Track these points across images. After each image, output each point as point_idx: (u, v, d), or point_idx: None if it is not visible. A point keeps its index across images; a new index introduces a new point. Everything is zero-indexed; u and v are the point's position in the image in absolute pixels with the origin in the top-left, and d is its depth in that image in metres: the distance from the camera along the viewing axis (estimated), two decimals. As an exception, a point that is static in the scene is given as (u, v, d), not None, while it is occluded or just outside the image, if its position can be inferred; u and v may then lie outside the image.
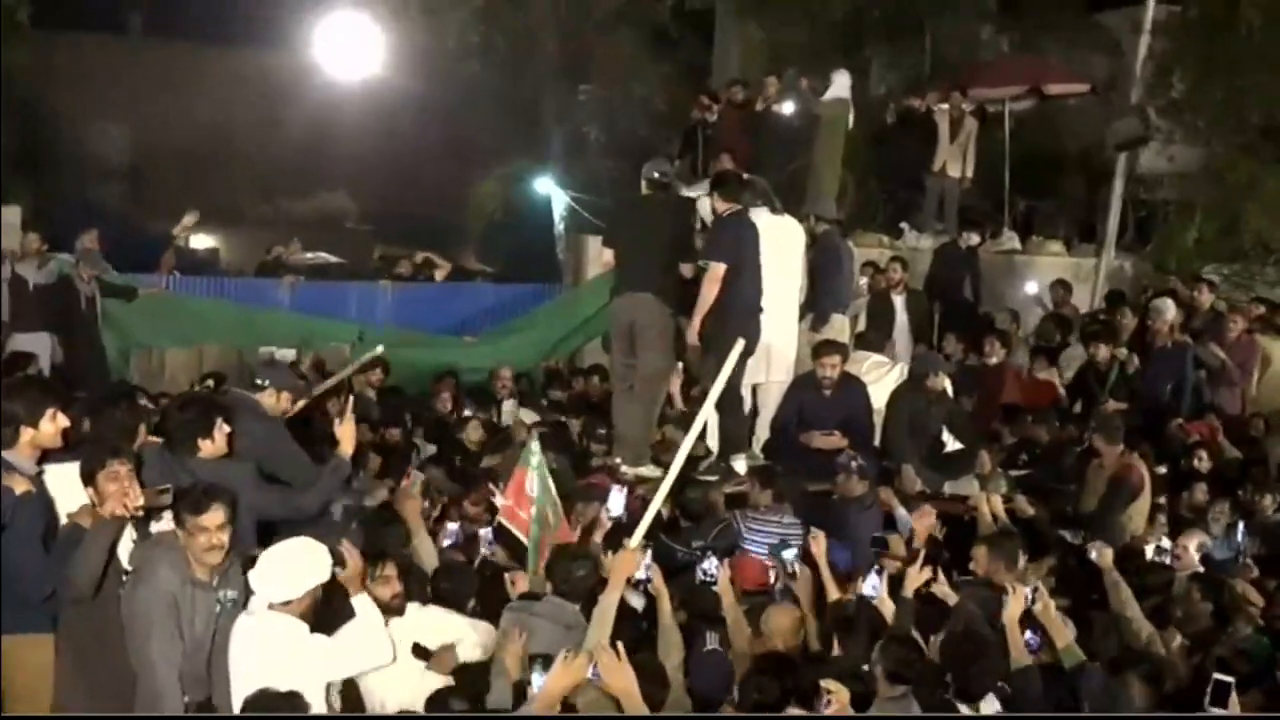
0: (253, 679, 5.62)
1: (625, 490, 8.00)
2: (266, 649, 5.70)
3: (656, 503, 7.29)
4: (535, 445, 7.78)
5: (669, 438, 10.25)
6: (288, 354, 12.62)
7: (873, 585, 6.80)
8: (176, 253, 14.94)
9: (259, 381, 7.59)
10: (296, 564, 5.84)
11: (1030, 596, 6.54)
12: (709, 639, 6.14)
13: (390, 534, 7.13)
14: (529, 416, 11.25)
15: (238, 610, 5.94)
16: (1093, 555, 7.56)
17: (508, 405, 11.90)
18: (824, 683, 5.46)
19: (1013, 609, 6.41)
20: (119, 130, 24.61)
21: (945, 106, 15.95)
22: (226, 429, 6.69)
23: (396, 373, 12.28)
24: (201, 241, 18.53)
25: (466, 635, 6.44)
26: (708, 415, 8.25)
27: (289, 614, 5.76)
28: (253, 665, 5.68)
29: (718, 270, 9.23)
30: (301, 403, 7.97)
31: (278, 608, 5.74)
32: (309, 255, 16.29)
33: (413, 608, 6.42)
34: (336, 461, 7.03)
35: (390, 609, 6.18)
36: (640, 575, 6.51)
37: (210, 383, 11.08)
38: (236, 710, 5.60)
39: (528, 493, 7.51)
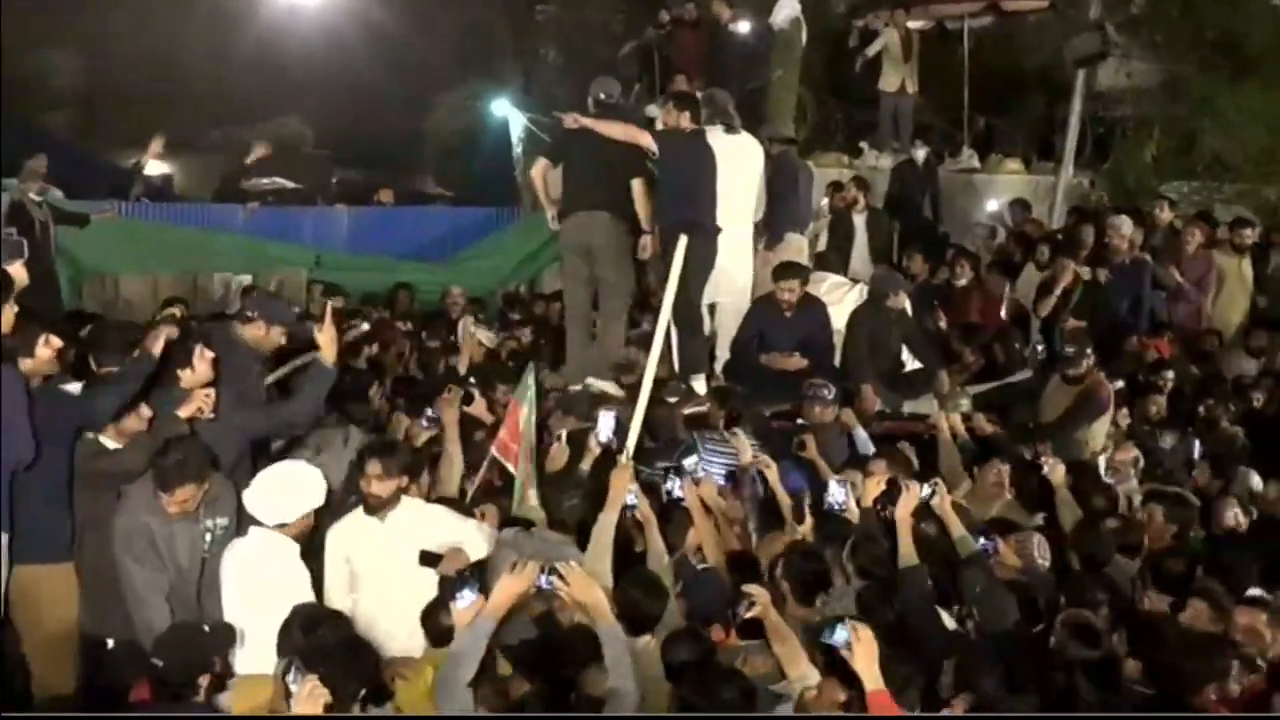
0: (245, 600, 5.83)
1: (614, 414, 7.87)
2: (259, 569, 5.89)
3: (636, 425, 7.31)
4: (530, 379, 7.66)
5: (631, 358, 10.27)
6: (244, 280, 12.60)
7: (839, 497, 6.83)
8: (131, 179, 14.78)
9: (248, 314, 7.25)
10: (295, 487, 6.03)
11: (931, 490, 6.65)
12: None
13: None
14: (484, 335, 11.18)
15: (230, 536, 6.14)
16: (1045, 470, 7.65)
17: (464, 321, 11.70)
18: (745, 587, 5.49)
19: (903, 506, 6.48)
20: (67, 56, 24.19)
21: (910, 24, 15.92)
22: (209, 355, 6.68)
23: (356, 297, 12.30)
24: (156, 168, 18.27)
25: (471, 536, 6.42)
26: (663, 330, 8.33)
27: (284, 535, 5.95)
28: (244, 586, 5.87)
29: None
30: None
31: (274, 529, 5.94)
32: (265, 180, 16.09)
33: (416, 503, 6.45)
34: (317, 368, 7.04)
35: (370, 507, 6.23)
36: (629, 501, 6.50)
37: (175, 310, 11.01)
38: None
39: (522, 427, 7.42)
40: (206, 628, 5.45)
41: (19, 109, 18.89)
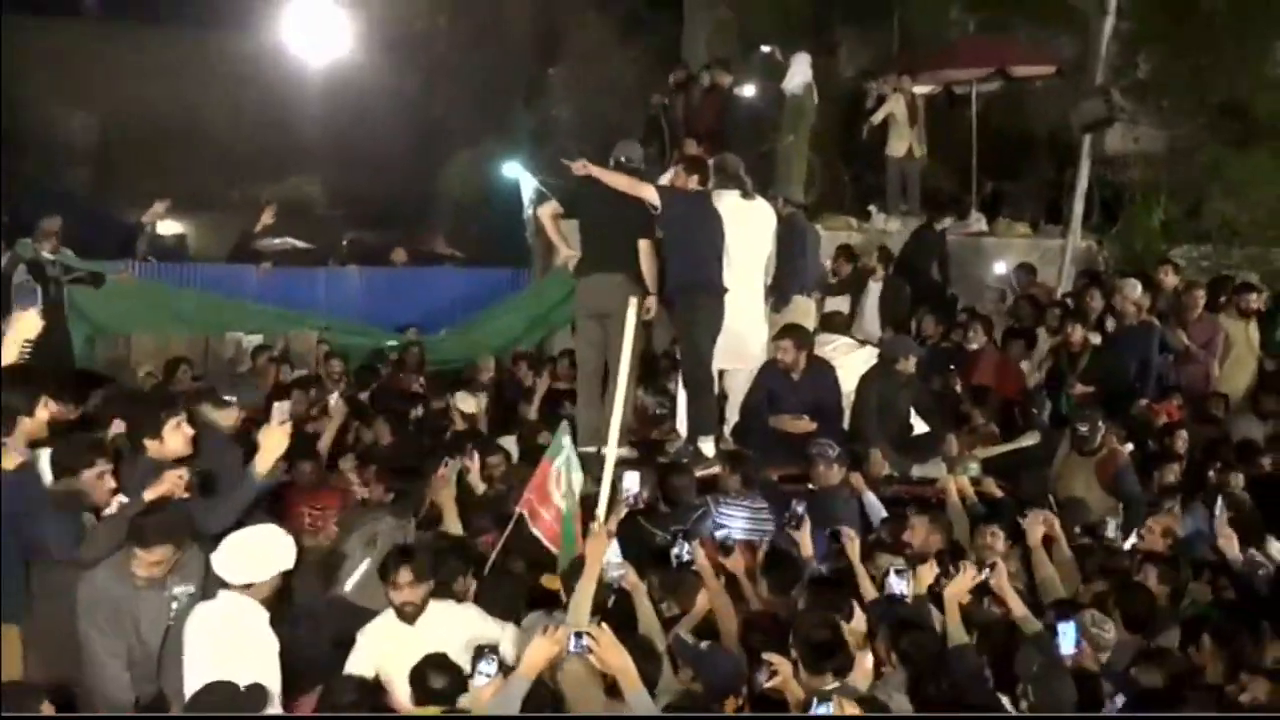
0: (208, 663, 5.61)
1: (637, 473, 7.78)
2: (223, 631, 5.70)
3: (604, 491, 7.34)
4: (566, 439, 7.46)
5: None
6: (254, 340, 12.66)
7: (899, 588, 6.62)
8: (144, 239, 14.89)
9: (226, 399, 6.92)
10: (265, 548, 5.90)
11: (987, 573, 6.59)
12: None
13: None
14: (467, 404, 11.17)
15: (195, 603, 5.93)
16: (1024, 524, 7.69)
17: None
18: (766, 655, 5.46)
19: (956, 585, 6.43)
20: (82, 116, 24.43)
21: (915, 89, 16.04)
22: (188, 431, 6.39)
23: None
24: (169, 227, 18.40)
25: (500, 637, 6.25)
26: (622, 394, 8.20)
27: (251, 598, 5.80)
28: (209, 649, 5.67)
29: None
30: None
31: (238, 590, 5.78)
32: (277, 241, 16.22)
33: (446, 605, 6.28)
34: (245, 477, 6.36)
35: (404, 615, 6.13)
36: (613, 573, 6.37)
37: (150, 370, 11.09)
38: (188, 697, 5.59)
39: (551, 491, 7.27)
40: (243, 688, 5.33)
41: (34, 167, 19.08)
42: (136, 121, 23.55)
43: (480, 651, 5.43)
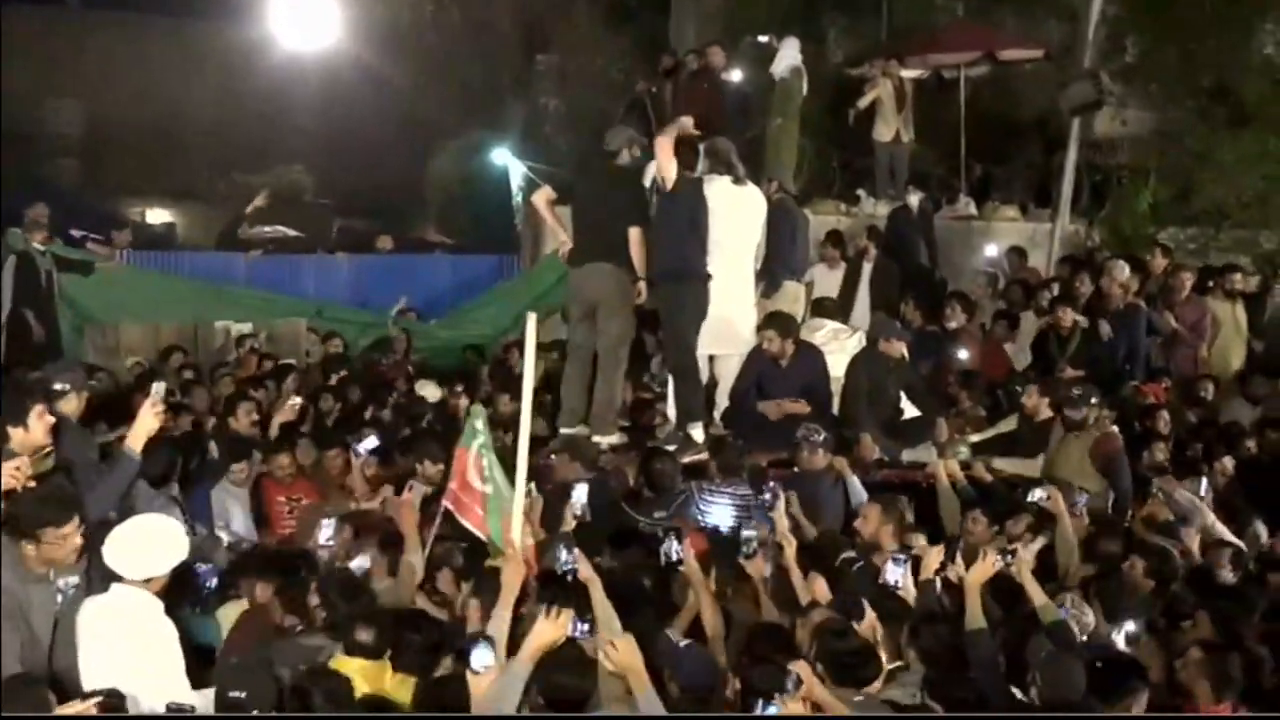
0: (107, 658, 5.45)
1: (585, 485, 7.48)
2: (123, 627, 5.52)
3: (520, 487, 6.75)
4: (480, 424, 7.05)
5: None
6: (243, 328, 12.65)
7: (895, 576, 6.52)
8: (133, 229, 14.89)
9: (57, 387, 6.57)
10: (159, 541, 5.73)
11: (1007, 559, 6.49)
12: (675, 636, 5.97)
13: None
14: (431, 391, 11.12)
15: (81, 595, 5.69)
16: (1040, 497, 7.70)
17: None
18: (792, 665, 5.31)
19: (976, 573, 6.28)
20: (69, 106, 24.37)
21: (903, 73, 16.01)
22: (49, 420, 6.01)
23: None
24: (158, 216, 18.39)
25: None
26: (530, 387, 7.40)
27: (147, 591, 5.63)
28: (110, 645, 5.48)
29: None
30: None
31: (137, 585, 5.60)
32: (267, 230, 16.19)
33: None
34: (120, 457, 6.22)
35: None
36: (565, 566, 6.10)
37: (139, 359, 11.07)
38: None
39: (471, 479, 6.90)
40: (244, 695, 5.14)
41: (19, 158, 19.05)
42: (123, 111, 23.49)
43: (477, 639, 5.33)
